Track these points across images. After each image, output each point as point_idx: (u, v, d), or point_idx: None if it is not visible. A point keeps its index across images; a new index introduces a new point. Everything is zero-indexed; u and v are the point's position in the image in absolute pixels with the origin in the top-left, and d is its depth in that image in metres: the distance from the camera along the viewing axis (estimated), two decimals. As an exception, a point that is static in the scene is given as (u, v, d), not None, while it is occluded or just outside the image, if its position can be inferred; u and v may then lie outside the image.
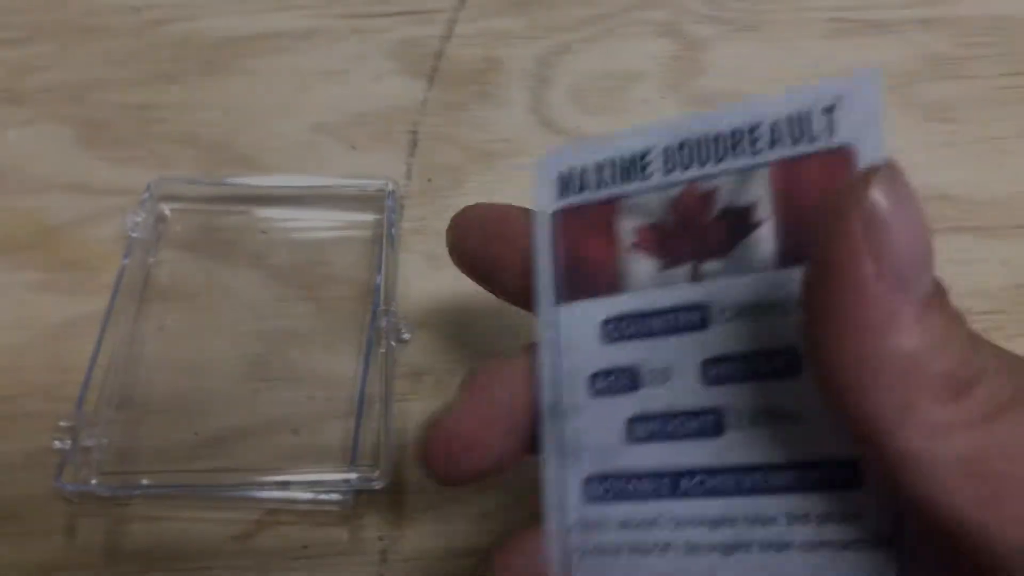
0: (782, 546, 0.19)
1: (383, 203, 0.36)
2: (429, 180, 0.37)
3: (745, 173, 0.21)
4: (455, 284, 0.35)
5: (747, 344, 0.20)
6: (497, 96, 0.40)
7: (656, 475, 0.21)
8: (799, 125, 0.20)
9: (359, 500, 0.31)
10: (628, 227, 0.22)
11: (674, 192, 0.22)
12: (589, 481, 0.22)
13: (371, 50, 0.41)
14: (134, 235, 0.35)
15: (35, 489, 0.31)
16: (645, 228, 0.22)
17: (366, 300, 0.34)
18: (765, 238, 0.20)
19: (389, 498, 0.31)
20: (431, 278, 0.35)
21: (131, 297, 0.34)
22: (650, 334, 0.21)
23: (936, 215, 0.37)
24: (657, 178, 0.22)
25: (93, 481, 0.30)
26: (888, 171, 0.16)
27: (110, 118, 0.39)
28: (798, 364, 0.19)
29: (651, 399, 0.21)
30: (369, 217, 0.36)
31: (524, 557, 0.22)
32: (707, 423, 0.20)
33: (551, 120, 0.39)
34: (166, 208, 0.36)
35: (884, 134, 0.19)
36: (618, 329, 0.22)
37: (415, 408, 0.32)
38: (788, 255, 0.20)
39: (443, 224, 0.37)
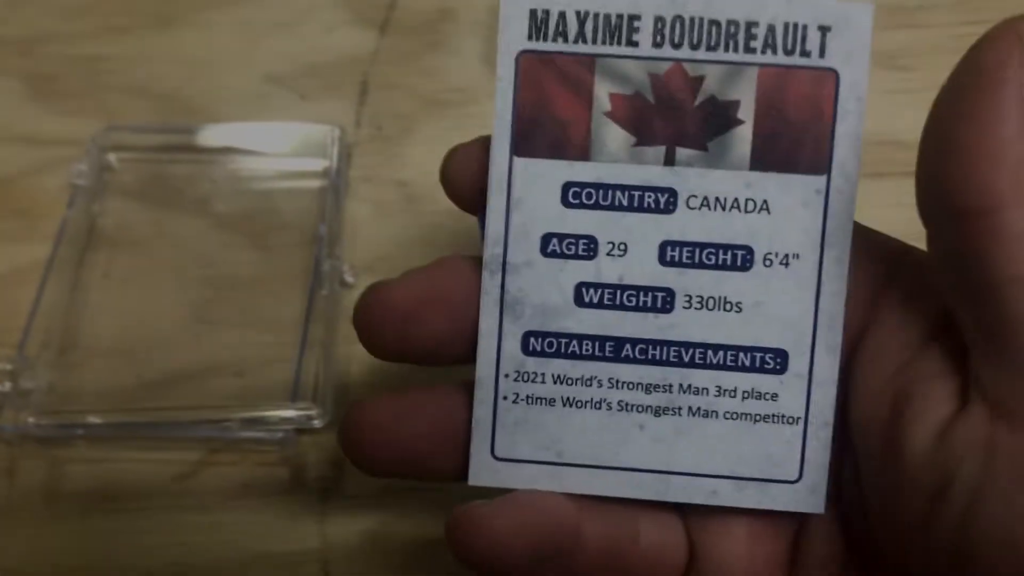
0: (708, 413, 0.22)
1: (330, 149, 0.35)
2: (379, 128, 0.37)
3: (734, 68, 0.21)
4: (402, 230, 0.35)
5: (708, 235, 0.22)
6: (449, 45, 0.40)
7: (600, 338, 0.22)
8: (794, 36, 0.21)
9: (301, 441, 0.31)
10: (603, 91, 0.22)
11: (659, 68, 0.22)
12: (528, 336, 0.22)
13: (323, 1, 0.41)
14: (78, 183, 0.34)
15: (-25, 432, 0.31)
16: (622, 97, 0.22)
17: (313, 247, 0.34)
18: (742, 138, 0.22)
19: (330, 438, 0.31)
20: (379, 225, 0.35)
21: (75, 245, 0.34)
22: (614, 207, 0.22)
23: (889, 160, 0.37)
24: (644, 48, 0.22)
25: (31, 420, 0.30)
26: None
27: (59, 71, 0.39)
28: (750, 261, 0.22)
29: (605, 268, 0.22)
30: (317, 165, 0.36)
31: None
32: (657, 300, 0.22)
33: (504, 70, 0.39)
34: (113, 158, 0.36)
35: (868, 67, 0.21)
36: (580, 196, 0.22)
37: (359, 352, 0.32)
38: (760, 159, 0.21)
39: (392, 172, 0.37)
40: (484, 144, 0.23)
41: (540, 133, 0.22)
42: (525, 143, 0.22)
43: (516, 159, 0.22)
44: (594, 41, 0.22)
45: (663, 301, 0.22)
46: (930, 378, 0.20)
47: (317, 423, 0.30)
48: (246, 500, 0.30)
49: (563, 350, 0.22)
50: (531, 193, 0.22)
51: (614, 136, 0.22)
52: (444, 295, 0.22)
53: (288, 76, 0.39)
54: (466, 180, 0.23)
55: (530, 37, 0.22)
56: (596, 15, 0.22)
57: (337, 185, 0.34)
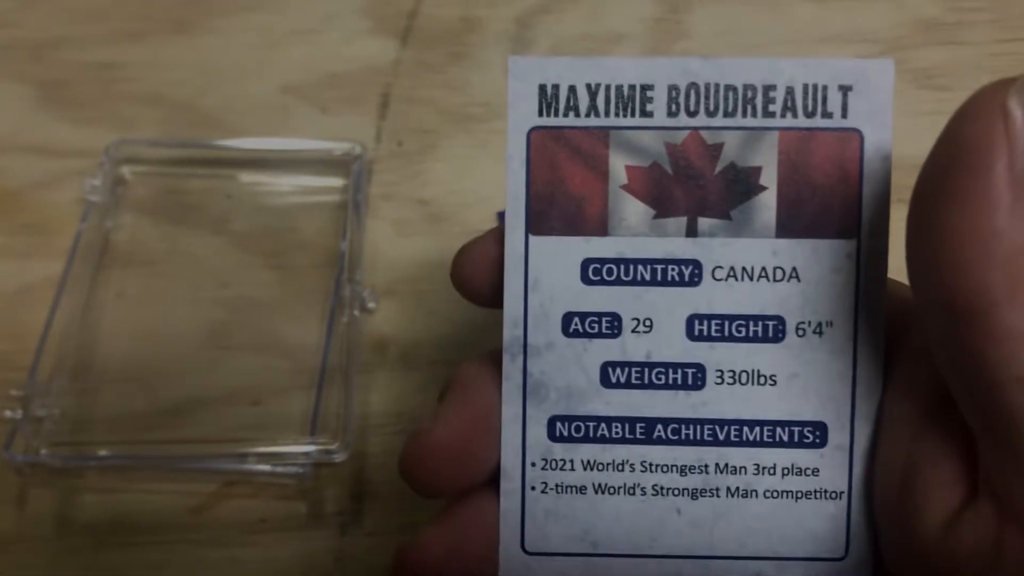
0: (748, 492, 0.21)
1: (350, 167, 0.34)
2: (399, 144, 0.36)
3: (754, 134, 0.21)
4: (423, 251, 0.34)
5: (737, 307, 0.21)
6: (474, 57, 0.39)
7: (630, 420, 0.21)
8: (815, 97, 0.20)
9: (319, 472, 0.30)
10: (619, 164, 0.21)
11: (676, 137, 0.21)
12: (554, 421, 0.21)
13: (343, 8, 0.39)
14: (91, 199, 0.33)
15: (-15, 459, 0.30)
16: (638, 169, 0.21)
17: (332, 267, 0.33)
18: (766, 205, 0.21)
19: (350, 471, 0.30)
20: (399, 245, 0.34)
21: (88, 263, 0.33)
22: (637, 282, 0.21)
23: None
24: (659, 118, 0.21)
25: (43, 451, 0.29)
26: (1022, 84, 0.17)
27: (72, 77, 0.38)
28: (783, 332, 0.21)
29: (631, 346, 0.21)
30: (337, 182, 0.35)
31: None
32: (688, 376, 0.21)
33: (528, 83, 0.38)
34: (127, 171, 0.35)
35: (891, 125, 0.21)
36: (601, 272, 0.21)
37: (379, 380, 0.32)
38: (787, 226, 0.21)
39: (414, 190, 0.36)
40: (496, 236, 0.22)
41: (555, 210, 0.21)
42: (540, 221, 0.21)
43: (532, 238, 0.21)
44: (607, 114, 0.21)
45: (694, 378, 0.21)
46: (939, 456, 0.19)
47: (337, 458, 0.29)
48: (263, 535, 0.29)
49: (592, 434, 0.21)
50: (549, 272, 0.21)
51: (633, 209, 0.21)
52: (486, 420, 0.21)
53: (307, 86, 0.38)
54: (483, 278, 0.22)
55: (540, 113, 0.21)
56: (608, 87, 0.21)
57: (358, 205, 0.33)
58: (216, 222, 0.34)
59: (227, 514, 0.29)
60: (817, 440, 0.21)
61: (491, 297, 0.22)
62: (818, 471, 0.21)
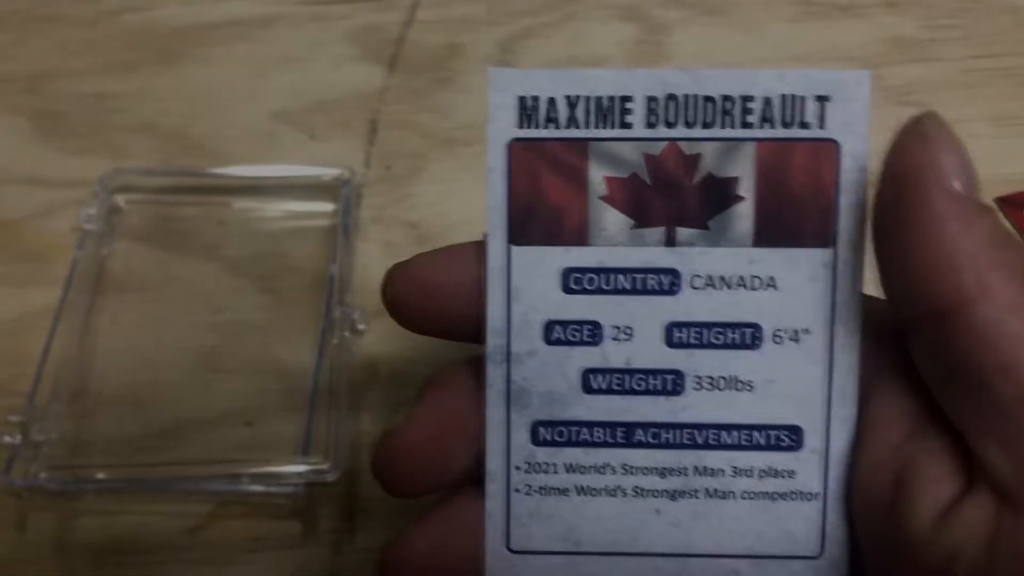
0: (725, 494, 0.22)
1: (340, 192, 0.35)
2: (388, 168, 0.37)
3: (731, 145, 0.21)
4: (413, 273, 0.35)
5: (714, 315, 0.21)
6: (459, 82, 0.40)
7: (610, 425, 0.22)
8: (792, 108, 0.21)
9: (312, 492, 0.30)
10: (598, 175, 0.21)
11: (654, 148, 0.21)
12: (536, 426, 0.22)
13: (331, 37, 0.40)
14: (87, 227, 0.34)
15: (-15, 484, 0.30)
16: (617, 180, 0.21)
17: (323, 290, 0.34)
18: (743, 215, 0.21)
19: (342, 490, 0.30)
20: (388, 267, 0.35)
21: (84, 290, 0.34)
22: (616, 291, 0.21)
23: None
24: (638, 129, 0.21)
25: (43, 475, 0.30)
26: (931, 114, 0.20)
27: (65, 109, 0.38)
28: (759, 339, 0.21)
29: (611, 353, 0.22)
30: (327, 207, 0.36)
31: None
32: (667, 382, 0.22)
33: (513, 107, 0.39)
34: (121, 200, 0.36)
35: (867, 135, 0.21)
36: (581, 281, 0.22)
37: (370, 399, 0.32)
38: (764, 235, 0.21)
39: (402, 213, 0.37)
40: (427, 258, 0.23)
41: (536, 220, 0.21)
42: (521, 231, 0.21)
43: (513, 248, 0.22)
44: (586, 125, 0.21)
45: (673, 383, 0.22)
46: (932, 453, 0.20)
47: (329, 477, 0.29)
48: (258, 554, 0.30)
49: (574, 438, 0.22)
50: (530, 282, 0.22)
51: (612, 220, 0.21)
52: (458, 424, 0.22)
53: (296, 113, 0.38)
54: (415, 302, 0.23)
55: (520, 125, 0.21)
56: (587, 99, 0.21)
57: (347, 229, 0.34)
58: (208, 248, 0.35)
59: (222, 534, 0.30)
60: (793, 443, 0.21)
61: (424, 324, 0.23)
62: (794, 473, 0.22)
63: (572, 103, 0.21)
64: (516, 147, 0.21)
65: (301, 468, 0.30)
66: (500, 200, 0.22)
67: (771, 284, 0.21)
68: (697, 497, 0.22)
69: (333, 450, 0.30)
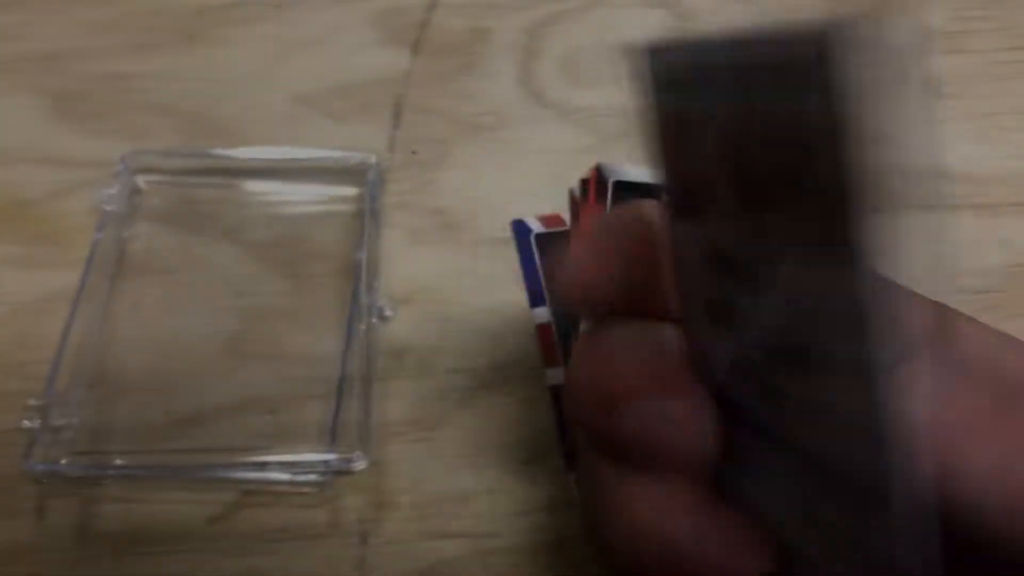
0: None
1: (365, 176, 0.35)
2: (413, 152, 0.36)
3: None
4: (438, 260, 0.34)
5: None
6: (484, 67, 0.39)
7: None
8: None
9: (338, 481, 0.30)
10: None
11: None
12: None
13: (353, 19, 0.40)
14: (108, 208, 0.33)
15: (4, 469, 0.30)
16: None
17: (347, 276, 0.33)
18: None
19: (369, 479, 0.30)
20: (414, 253, 0.34)
21: (104, 273, 0.33)
22: None
23: (933, 193, 0.36)
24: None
25: (63, 461, 0.29)
26: None
27: (85, 88, 0.38)
28: None
29: None
30: (351, 191, 0.35)
31: None
32: None
33: (540, 92, 0.38)
34: (141, 181, 0.35)
35: None
36: None
37: (397, 387, 0.32)
38: None
39: (427, 199, 0.36)
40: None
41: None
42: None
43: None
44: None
45: None
46: None
47: (357, 466, 0.29)
48: (283, 544, 0.29)
49: None
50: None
51: None
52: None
53: (318, 97, 0.38)
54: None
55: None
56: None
57: (375, 214, 0.33)
58: (231, 231, 0.34)
59: (246, 523, 0.29)
60: None
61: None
62: None
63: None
64: None
65: (329, 457, 0.29)
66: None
67: None
68: None
69: (361, 438, 0.29)
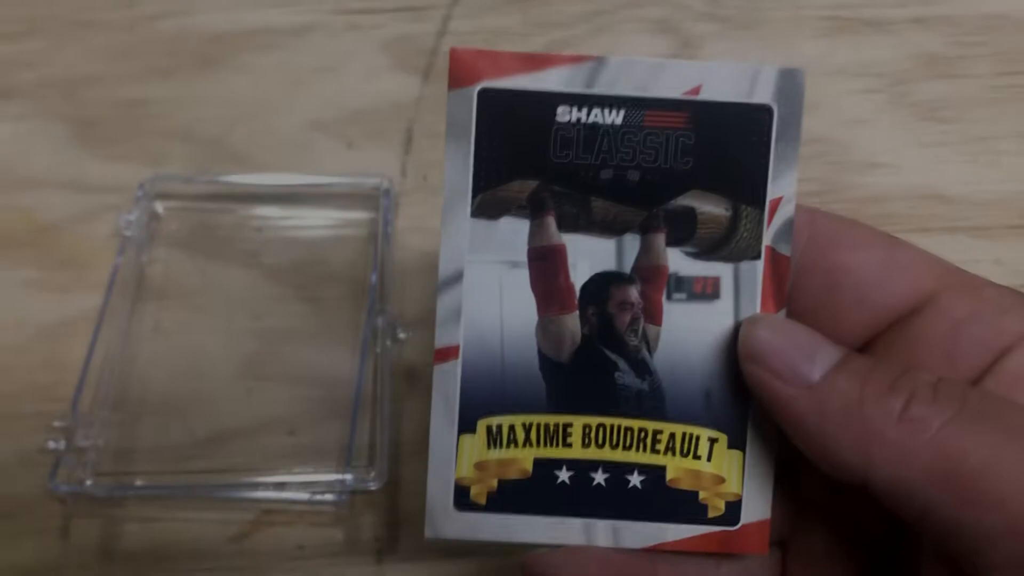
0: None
1: (378, 201, 0.35)
2: (424, 178, 0.37)
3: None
4: (451, 283, 0.35)
5: None
6: (492, 93, 0.40)
7: None
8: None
9: (355, 500, 0.31)
10: None
11: None
12: None
13: (366, 46, 0.41)
14: (128, 234, 0.34)
15: (29, 489, 0.31)
16: None
17: (362, 299, 0.34)
18: None
19: (385, 498, 0.31)
20: (427, 277, 0.35)
21: (125, 296, 0.34)
22: None
23: (930, 215, 0.37)
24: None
25: (88, 482, 0.30)
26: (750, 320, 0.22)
27: (103, 114, 0.39)
28: None
29: None
30: (365, 215, 0.36)
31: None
32: None
33: (546, 118, 0.39)
34: (160, 206, 0.36)
35: None
36: None
37: (410, 408, 0.32)
38: None
39: (438, 222, 0.37)
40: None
41: None
42: None
43: None
44: None
45: None
46: None
47: (373, 486, 0.30)
48: (301, 561, 0.30)
49: None
50: None
51: None
52: None
53: (332, 123, 0.39)
54: None
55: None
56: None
57: (388, 238, 0.34)
58: (247, 255, 0.35)
59: (266, 542, 0.30)
60: None
61: None
62: None
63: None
64: None
65: (345, 477, 0.30)
66: None
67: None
68: None
69: (377, 459, 0.30)
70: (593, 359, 0.23)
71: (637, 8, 0.42)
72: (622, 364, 0.23)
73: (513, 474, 0.23)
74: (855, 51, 0.41)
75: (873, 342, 0.23)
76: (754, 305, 0.22)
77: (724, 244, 0.22)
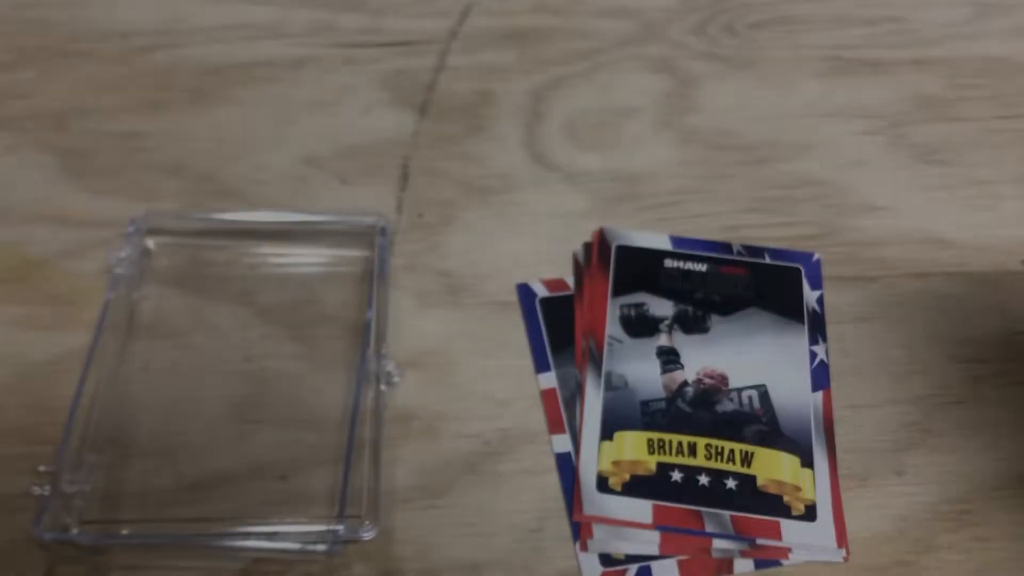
0: None
1: (373, 239, 0.35)
2: (420, 216, 0.37)
3: None
4: (445, 323, 0.35)
5: None
6: (490, 130, 0.40)
7: None
8: None
9: (347, 549, 0.30)
10: None
11: None
12: None
13: (362, 81, 0.40)
14: (118, 271, 0.34)
15: (13, 535, 0.30)
16: None
17: (355, 338, 0.34)
18: None
19: (378, 547, 0.30)
20: (421, 316, 0.35)
21: (115, 335, 0.33)
22: None
23: (930, 259, 0.36)
24: None
25: (74, 531, 0.29)
26: None
27: (94, 147, 0.38)
28: None
29: None
30: (359, 253, 0.35)
31: None
32: None
33: (544, 155, 0.39)
34: (151, 242, 0.35)
35: None
36: None
37: (404, 453, 0.32)
38: None
39: (434, 261, 0.37)
40: None
41: None
42: None
43: None
44: None
45: None
46: None
47: (367, 535, 0.29)
48: (291, 612, 0.29)
49: None
50: None
51: None
52: None
53: (326, 158, 0.38)
54: None
55: None
56: None
57: (384, 277, 0.34)
58: (240, 294, 0.35)
59: (255, 591, 0.30)
60: None
61: None
62: None
63: None
64: None
65: (338, 527, 0.29)
66: None
67: None
68: None
69: (370, 506, 0.30)
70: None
71: (635, 46, 0.42)
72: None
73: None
74: (854, 92, 0.41)
75: None
76: None
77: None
